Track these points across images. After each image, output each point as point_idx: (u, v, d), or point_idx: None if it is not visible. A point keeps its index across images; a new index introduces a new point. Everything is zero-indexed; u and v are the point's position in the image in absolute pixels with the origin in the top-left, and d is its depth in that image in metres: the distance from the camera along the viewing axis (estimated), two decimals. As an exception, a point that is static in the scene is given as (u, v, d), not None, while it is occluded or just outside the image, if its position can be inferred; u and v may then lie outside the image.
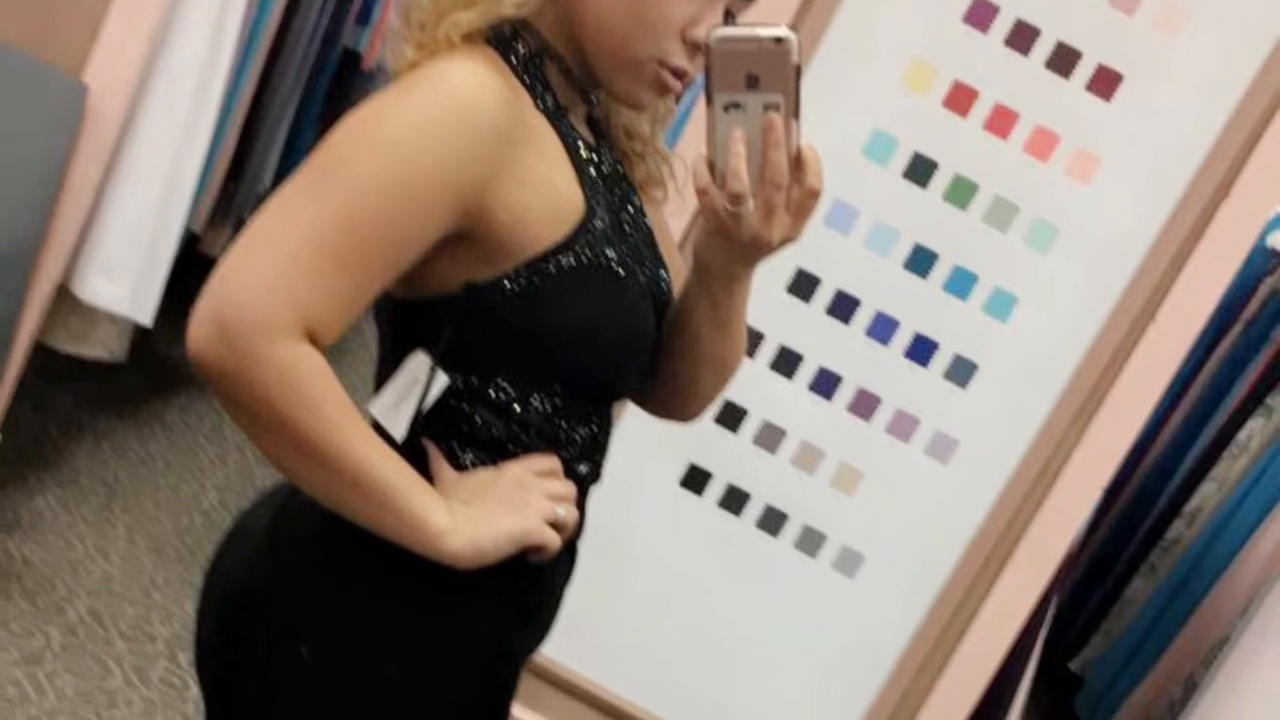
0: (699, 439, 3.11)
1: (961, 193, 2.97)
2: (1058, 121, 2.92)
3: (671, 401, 1.81)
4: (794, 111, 1.39)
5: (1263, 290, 5.02)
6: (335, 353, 1.40)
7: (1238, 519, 4.50)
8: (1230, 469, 4.75)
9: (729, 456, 3.15)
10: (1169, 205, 2.91)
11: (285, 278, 1.34)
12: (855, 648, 3.19)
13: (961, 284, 3.00)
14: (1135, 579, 5.05)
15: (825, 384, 3.08)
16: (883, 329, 3.04)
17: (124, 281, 3.41)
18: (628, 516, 3.15)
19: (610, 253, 1.54)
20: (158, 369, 4.84)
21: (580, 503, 1.64)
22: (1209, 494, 4.82)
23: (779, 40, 1.37)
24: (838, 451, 3.11)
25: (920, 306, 3.03)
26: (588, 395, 1.61)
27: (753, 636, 3.22)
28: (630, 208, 1.68)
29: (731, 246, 1.49)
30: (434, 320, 1.50)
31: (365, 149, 1.39)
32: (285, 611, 1.56)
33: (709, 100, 1.40)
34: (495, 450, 1.56)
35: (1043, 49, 2.91)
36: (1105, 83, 2.89)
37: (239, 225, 4.24)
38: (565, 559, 1.71)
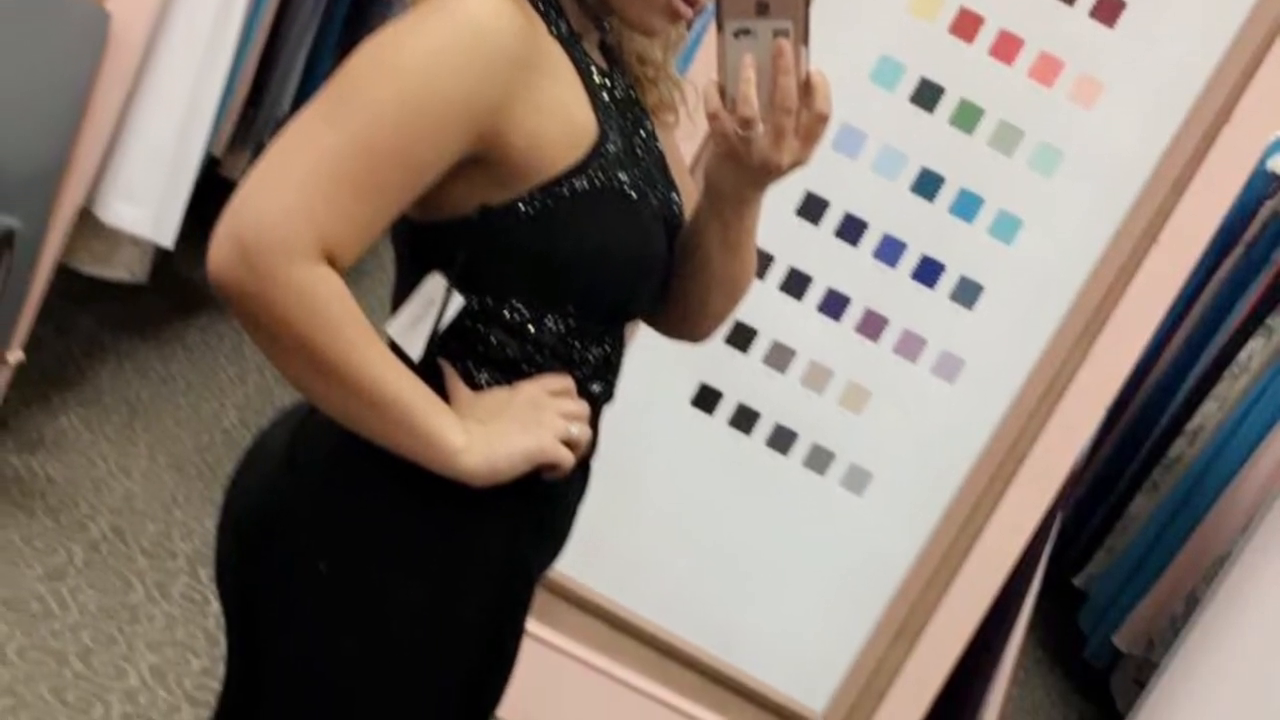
0: (710, 359, 3.14)
1: (967, 117, 2.98)
2: (1062, 47, 2.93)
3: (683, 322, 1.84)
4: (803, 37, 1.42)
5: (1263, 213, 5.04)
6: (353, 274, 1.42)
7: (1239, 437, 4.53)
8: (1231, 388, 4.78)
9: (739, 376, 3.17)
10: (1171, 130, 2.92)
11: (304, 200, 1.36)
12: (863, 564, 3.22)
13: (967, 207, 3.02)
14: (1138, 496, 5.10)
15: (834, 305, 3.11)
16: (890, 251, 3.07)
17: (146, 204, 3.44)
18: (640, 435, 3.18)
19: (623, 176, 1.55)
20: (179, 290, 4.87)
21: (593, 421, 1.66)
22: (1210, 413, 4.85)
23: None
24: (846, 371, 3.14)
25: (927, 229, 3.05)
26: (601, 316, 1.63)
27: (762, 552, 3.25)
28: (642, 132, 1.70)
29: (742, 170, 1.52)
30: (449, 242, 1.52)
31: (382, 74, 1.40)
32: (304, 529, 1.58)
33: (720, 27, 1.43)
34: (510, 370, 1.57)
35: (1048, -25, 2.93)
36: (1108, 9, 2.89)
37: (259, 149, 4.26)
38: (579, 477, 1.73)
